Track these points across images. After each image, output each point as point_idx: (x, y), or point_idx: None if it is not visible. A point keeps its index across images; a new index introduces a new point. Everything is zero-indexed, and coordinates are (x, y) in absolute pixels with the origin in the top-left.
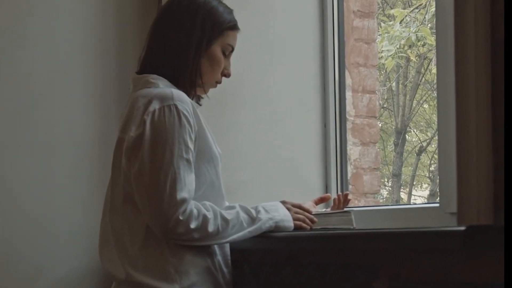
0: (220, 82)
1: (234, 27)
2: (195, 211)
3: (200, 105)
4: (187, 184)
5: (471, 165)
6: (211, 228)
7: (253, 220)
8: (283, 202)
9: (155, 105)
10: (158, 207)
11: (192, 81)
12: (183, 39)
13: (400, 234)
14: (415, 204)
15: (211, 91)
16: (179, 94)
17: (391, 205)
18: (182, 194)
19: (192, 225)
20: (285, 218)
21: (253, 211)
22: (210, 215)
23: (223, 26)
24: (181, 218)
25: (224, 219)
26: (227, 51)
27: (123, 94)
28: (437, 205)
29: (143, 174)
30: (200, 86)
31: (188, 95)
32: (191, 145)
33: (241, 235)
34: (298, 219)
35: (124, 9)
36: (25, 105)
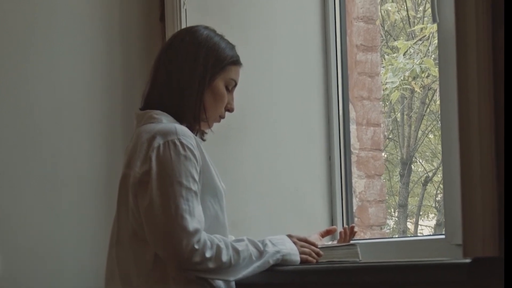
0: (223, 117)
1: (236, 62)
2: (208, 241)
3: (204, 140)
4: (197, 215)
5: (476, 197)
6: (224, 258)
7: (260, 253)
8: (289, 236)
9: (159, 141)
10: (173, 239)
11: (196, 116)
12: (186, 75)
13: (405, 266)
14: (421, 235)
15: (215, 125)
16: (182, 129)
17: (397, 237)
18: (194, 224)
19: (208, 254)
20: (292, 252)
21: (260, 245)
22: (222, 245)
23: (225, 62)
24: (196, 247)
25: (236, 250)
26: (230, 86)
27: (129, 129)
28: (443, 236)
29: (154, 208)
30: (204, 120)
31: (193, 130)
32: (197, 178)
33: (250, 271)
34: (304, 253)
35: (130, 44)
36: (29, 140)
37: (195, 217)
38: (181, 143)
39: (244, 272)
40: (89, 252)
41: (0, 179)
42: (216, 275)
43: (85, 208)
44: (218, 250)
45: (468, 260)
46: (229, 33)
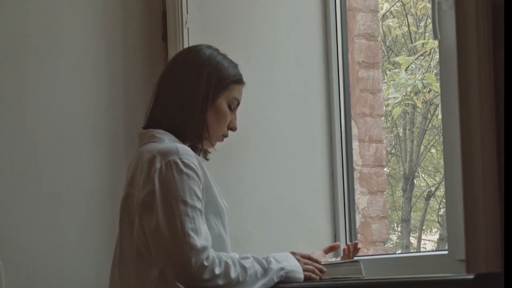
0: (226, 136)
1: (239, 81)
2: (216, 259)
3: (208, 159)
4: (203, 233)
5: (479, 212)
6: (233, 274)
7: (265, 270)
8: (293, 253)
9: (161, 161)
10: (182, 257)
11: (199, 134)
12: (189, 93)
13: (409, 283)
14: (424, 251)
15: (217, 143)
16: (184, 148)
17: (400, 253)
18: (201, 241)
19: (217, 271)
20: (296, 269)
21: (264, 262)
22: (230, 262)
23: (228, 80)
24: (205, 264)
25: (243, 267)
26: (233, 105)
27: (132, 148)
28: (446, 252)
29: (160, 229)
30: (207, 139)
31: (196, 149)
32: (200, 196)
33: None
34: (308, 270)
35: (133, 64)
36: (31, 158)
37: (201, 235)
38: (183, 162)
39: None
40: (93, 271)
41: (3, 198)
42: None
43: (88, 227)
44: (227, 266)
45: (471, 276)
46: (231, 52)
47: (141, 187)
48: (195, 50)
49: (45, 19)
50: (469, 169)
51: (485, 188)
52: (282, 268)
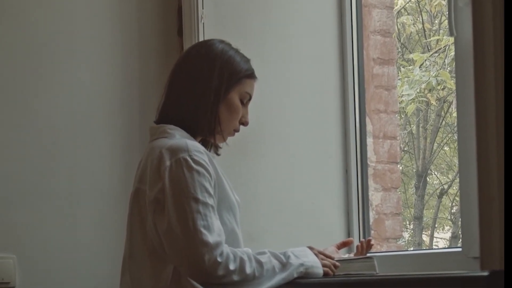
0: (238, 130)
1: (251, 75)
2: (231, 254)
3: (219, 154)
4: (216, 229)
5: (493, 208)
6: (248, 270)
7: (283, 265)
8: (310, 248)
9: (171, 158)
10: (195, 255)
11: (211, 129)
12: (201, 87)
13: (423, 279)
14: (438, 248)
15: (232, 139)
16: (194, 145)
17: (414, 250)
18: (214, 237)
19: (231, 267)
20: (315, 264)
21: (282, 257)
22: (245, 257)
23: (240, 75)
24: (219, 260)
25: (259, 262)
26: (245, 99)
27: (146, 143)
28: (460, 249)
29: (173, 228)
30: (219, 133)
31: (207, 144)
32: (212, 192)
33: (274, 283)
34: (325, 265)
35: (148, 58)
36: (46, 154)
37: (214, 231)
38: (193, 159)
39: (268, 284)
40: (106, 267)
41: (18, 194)
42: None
43: (102, 223)
44: (242, 262)
45: (485, 273)
46: (246, 48)
47: (151, 185)
48: (207, 45)
49: (60, 15)
50: (484, 166)
51: (500, 185)
52: (302, 264)
